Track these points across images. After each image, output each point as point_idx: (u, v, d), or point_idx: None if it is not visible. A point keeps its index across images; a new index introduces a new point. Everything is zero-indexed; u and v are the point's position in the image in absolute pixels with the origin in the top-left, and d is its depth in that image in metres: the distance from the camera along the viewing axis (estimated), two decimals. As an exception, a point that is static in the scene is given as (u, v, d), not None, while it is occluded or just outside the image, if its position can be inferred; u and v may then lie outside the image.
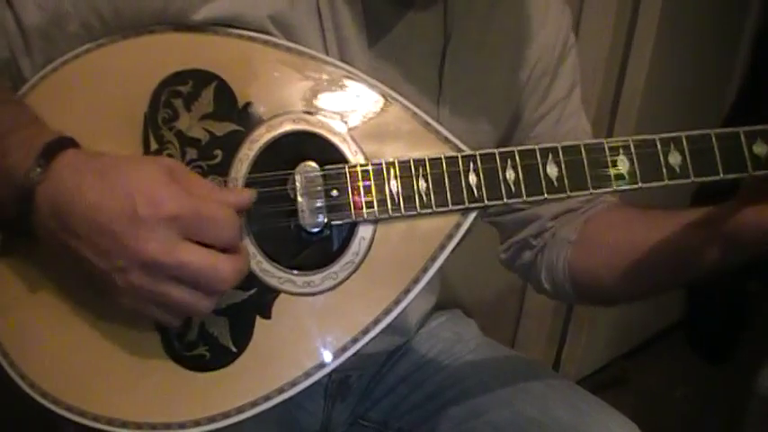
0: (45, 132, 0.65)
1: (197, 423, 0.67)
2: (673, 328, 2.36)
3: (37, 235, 0.63)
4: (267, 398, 0.68)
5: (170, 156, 0.70)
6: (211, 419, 0.67)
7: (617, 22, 1.71)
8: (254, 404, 0.67)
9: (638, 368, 2.19)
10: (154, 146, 0.70)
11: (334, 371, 0.91)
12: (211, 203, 0.62)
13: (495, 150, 0.72)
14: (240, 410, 0.67)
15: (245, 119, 0.71)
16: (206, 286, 0.62)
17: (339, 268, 0.70)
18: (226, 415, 0.67)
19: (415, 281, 0.71)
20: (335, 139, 0.72)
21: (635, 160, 0.72)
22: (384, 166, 0.71)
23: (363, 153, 0.72)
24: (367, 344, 0.70)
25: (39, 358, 0.68)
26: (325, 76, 0.73)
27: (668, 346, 2.31)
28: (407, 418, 0.99)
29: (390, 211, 0.71)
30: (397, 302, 0.71)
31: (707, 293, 2.31)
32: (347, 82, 0.74)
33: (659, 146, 0.72)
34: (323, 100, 0.73)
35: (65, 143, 0.64)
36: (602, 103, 1.78)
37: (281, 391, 0.68)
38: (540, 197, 0.72)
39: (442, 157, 0.71)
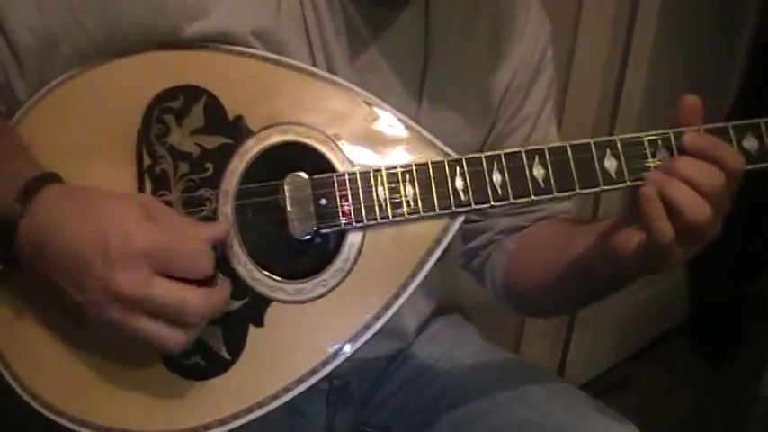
0: (28, 168, 0.67)
1: (194, 430, 0.68)
2: (675, 331, 2.35)
3: (20, 266, 0.65)
4: (261, 404, 0.68)
5: (163, 170, 0.71)
6: (207, 426, 0.68)
7: (615, 26, 1.71)
8: (248, 410, 0.68)
9: (641, 371, 2.18)
10: (147, 161, 0.71)
11: (334, 377, 0.91)
12: (184, 238, 0.64)
13: (482, 154, 0.72)
14: (236, 417, 0.68)
15: (234, 132, 0.72)
16: (177, 319, 0.63)
17: (329, 275, 0.71)
18: (222, 422, 0.68)
19: (405, 285, 0.72)
20: (323, 149, 0.73)
21: (622, 159, 0.72)
22: (371, 173, 0.72)
23: (351, 161, 0.73)
24: (359, 349, 0.71)
25: (40, 369, 0.69)
26: (311, 87, 0.74)
27: (671, 349, 2.30)
28: (409, 422, 0.99)
29: (378, 218, 0.71)
30: (387, 307, 0.71)
31: (709, 295, 2.31)
32: (334, 92, 0.75)
33: (647, 144, 0.72)
34: (310, 110, 0.73)
35: (46, 179, 0.66)
36: (602, 107, 1.78)
37: (274, 397, 0.69)
38: (527, 199, 0.72)
39: (429, 162, 0.72)
